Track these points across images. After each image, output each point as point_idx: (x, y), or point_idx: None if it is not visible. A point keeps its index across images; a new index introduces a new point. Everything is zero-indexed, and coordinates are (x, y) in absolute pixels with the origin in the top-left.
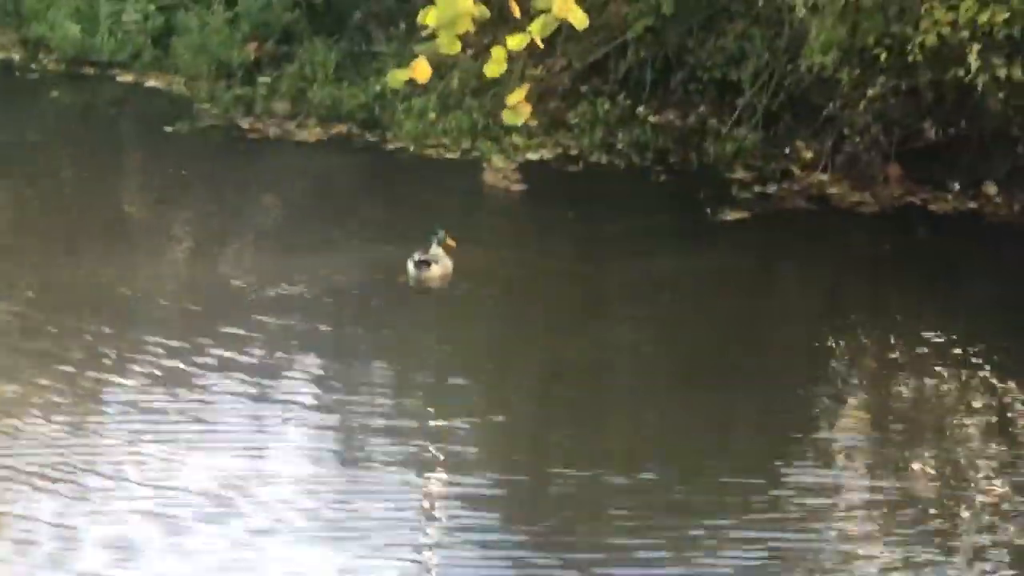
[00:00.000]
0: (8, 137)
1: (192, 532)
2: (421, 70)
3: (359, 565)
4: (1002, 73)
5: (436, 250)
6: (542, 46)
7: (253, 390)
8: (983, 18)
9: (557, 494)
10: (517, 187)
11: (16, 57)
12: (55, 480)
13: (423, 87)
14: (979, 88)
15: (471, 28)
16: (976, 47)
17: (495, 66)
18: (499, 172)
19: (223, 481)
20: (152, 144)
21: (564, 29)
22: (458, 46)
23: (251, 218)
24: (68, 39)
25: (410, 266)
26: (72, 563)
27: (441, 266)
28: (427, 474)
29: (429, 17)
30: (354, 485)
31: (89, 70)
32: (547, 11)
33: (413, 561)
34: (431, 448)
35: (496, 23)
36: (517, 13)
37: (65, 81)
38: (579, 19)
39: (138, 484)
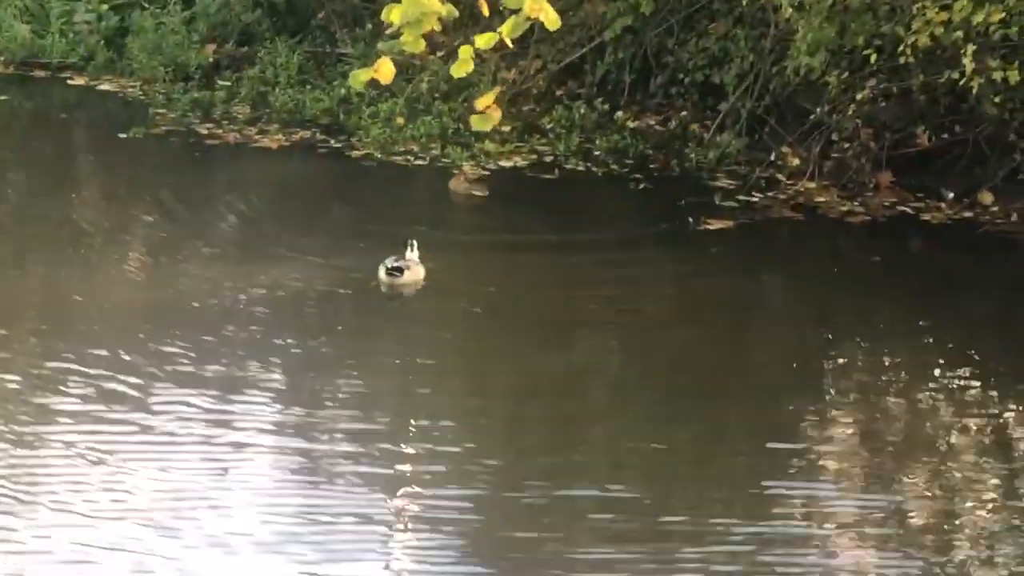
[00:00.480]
0: None
1: (146, 555)
2: (384, 70)
3: None
4: (998, 75)
5: (411, 255)
6: (512, 46)
7: (211, 406)
8: (978, 18)
9: (531, 513)
10: (480, 193)
11: None
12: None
13: (390, 91)
14: (974, 91)
15: (437, 27)
16: (971, 48)
17: (462, 66)
18: (460, 177)
19: (179, 503)
20: (106, 150)
21: (536, 29)
22: (422, 45)
23: (210, 227)
24: (17, 40)
25: (381, 272)
26: None
27: (413, 272)
28: (395, 493)
29: (393, 14)
30: (318, 505)
31: (39, 72)
32: (517, 11)
33: None
34: (399, 465)
35: (467, 23)
36: (486, 12)
37: (15, 84)
38: (551, 19)
39: (89, 507)
